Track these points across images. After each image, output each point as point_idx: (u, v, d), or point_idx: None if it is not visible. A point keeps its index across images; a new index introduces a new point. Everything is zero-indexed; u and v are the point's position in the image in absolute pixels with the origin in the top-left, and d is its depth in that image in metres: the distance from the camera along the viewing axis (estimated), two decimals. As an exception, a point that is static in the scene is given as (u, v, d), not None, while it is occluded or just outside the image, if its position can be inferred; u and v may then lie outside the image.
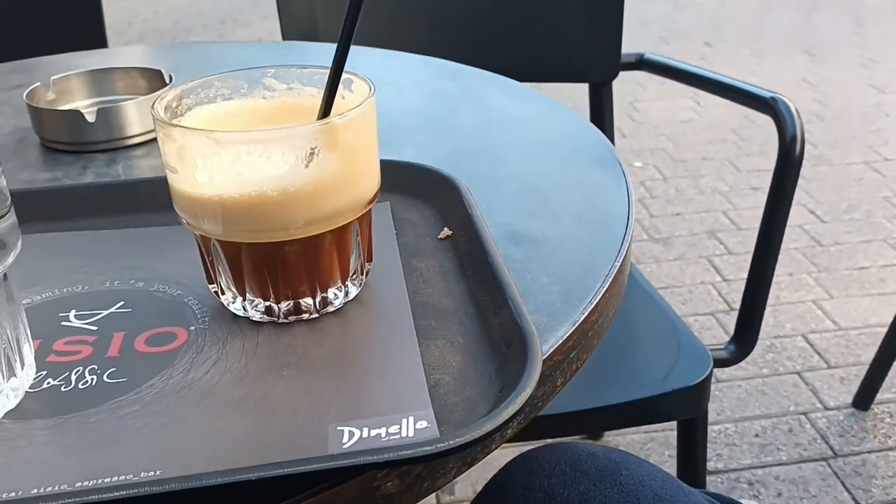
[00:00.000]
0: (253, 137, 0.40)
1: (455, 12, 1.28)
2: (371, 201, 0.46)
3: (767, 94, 1.02)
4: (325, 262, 0.45)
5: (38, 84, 0.74)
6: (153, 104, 0.43)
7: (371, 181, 0.45)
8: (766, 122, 2.99)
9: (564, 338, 0.44)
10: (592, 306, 0.46)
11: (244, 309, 0.46)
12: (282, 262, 0.44)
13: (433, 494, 1.46)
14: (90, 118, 0.69)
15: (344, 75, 0.44)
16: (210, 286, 0.48)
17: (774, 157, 1.00)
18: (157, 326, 0.46)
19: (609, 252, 0.51)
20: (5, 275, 0.39)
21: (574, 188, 0.60)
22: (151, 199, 0.57)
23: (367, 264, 0.48)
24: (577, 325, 0.45)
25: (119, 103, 0.70)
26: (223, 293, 0.47)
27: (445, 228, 0.53)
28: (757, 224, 1.03)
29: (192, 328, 0.46)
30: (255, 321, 0.46)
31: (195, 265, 0.50)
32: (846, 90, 3.31)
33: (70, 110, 0.70)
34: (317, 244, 0.44)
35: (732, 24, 3.98)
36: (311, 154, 0.41)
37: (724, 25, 4.20)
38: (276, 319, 0.46)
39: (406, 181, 0.58)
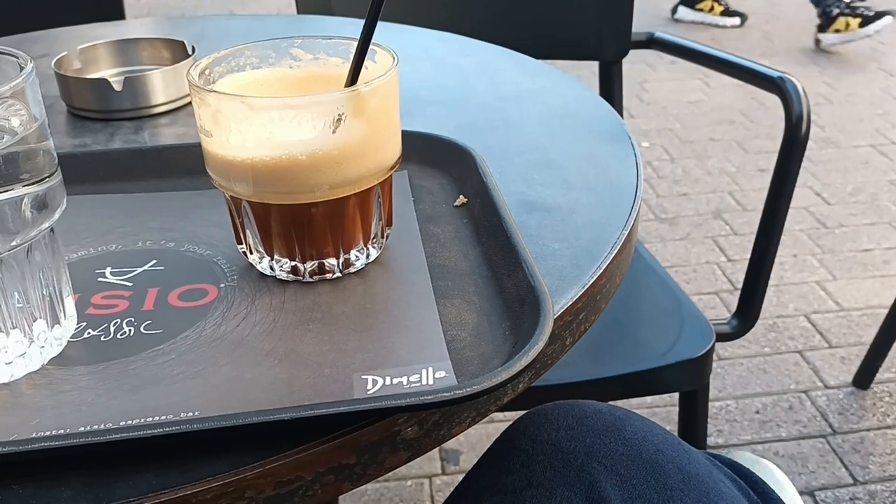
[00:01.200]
0: (285, 103, 0.42)
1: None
2: (393, 167, 0.48)
3: (775, 74, 1.04)
4: (348, 224, 0.47)
5: (65, 53, 0.76)
6: (188, 70, 0.45)
7: (393, 148, 0.48)
8: (774, 105, 2.99)
9: (574, 299, 0.47)
10: (601, 271, 0.49)
11: (271, 268, 0.49)
12: (308, 223, 0.46)
13: (440, 464, 1.49)
14: (117, 87, 0.71)
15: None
16: (238, 246, 0.50)
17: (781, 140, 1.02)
18: (189, 283, 0.49)
19: (618, 220, 0.54)
20: (52, 229, 0.42)
21: (585, 159, 0.63)
22: (179, 165, 0.60)
23: (387, 228, 0.51)
24: (586, 287, 0.48)
25: (145, 73, 0.72)
26: (251, 253, 0.49)
27: (461, 196, 0.56)
28: (761, 205, 1.05)
29: (222, 285, 0.48)
30: (281, 280, 0.49)
31: (222, 227, 0.52)
32: (855, 74, 3.30)
33: (97, 79, 0.73)
34: (341, 207, 0.46)
35: (743, 7, 3.98)
36: (339, 120, 0.43)
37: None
38: (301, 279, 0.48)
39: (423, 151, 0.60)
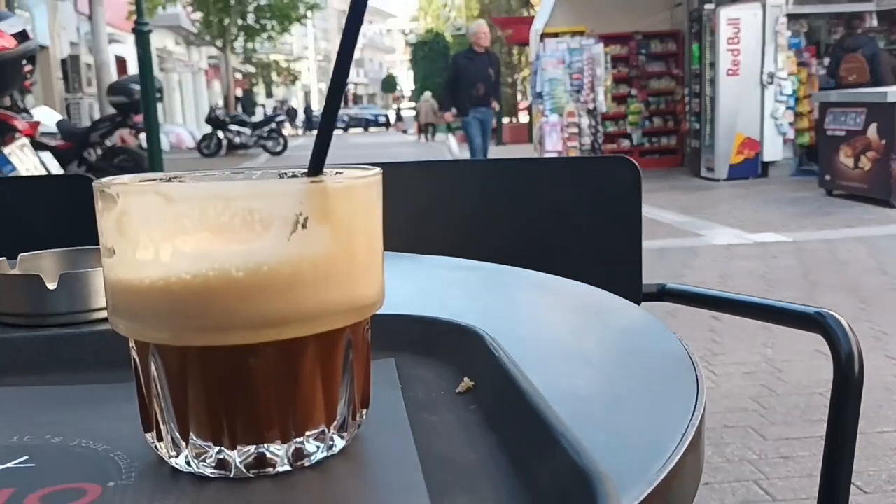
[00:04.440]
0: (217, 192, 0.30)
1: (480, 251, 1.24)
2: (370, 309, 0.34)
3: (812, 310, 0.93)
4: (304, 388, 0.32)
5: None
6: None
7: (370, 281, 0.34)
8: (786, 391, 2.87)
9: None
10: None
11: (188, 463, 0.33)
12: (245, 381, 0.31)
13: None
14: (51, 287, 0.59)
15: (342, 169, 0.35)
16: (147, 434, 0.35)
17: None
18: (62, 482, 0.33)
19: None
20: None
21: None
22: (101, 355, 0.46)
23: (360, 410, 0.36)
24: None
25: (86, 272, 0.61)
26: (161, 439, 0.34)
27: (465, 379, 0.41)
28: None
29: (111, 484, 0.32)
30: (201, 477, 0.33)
31: (134, 420, 0.37)
32: (864, 362, 3.22)
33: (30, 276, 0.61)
34: (294, 359, 0.32)
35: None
36: (296, 223, 0.30)
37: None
38: (228, 474, 0.33)
39: (416, 337, 0.47)
